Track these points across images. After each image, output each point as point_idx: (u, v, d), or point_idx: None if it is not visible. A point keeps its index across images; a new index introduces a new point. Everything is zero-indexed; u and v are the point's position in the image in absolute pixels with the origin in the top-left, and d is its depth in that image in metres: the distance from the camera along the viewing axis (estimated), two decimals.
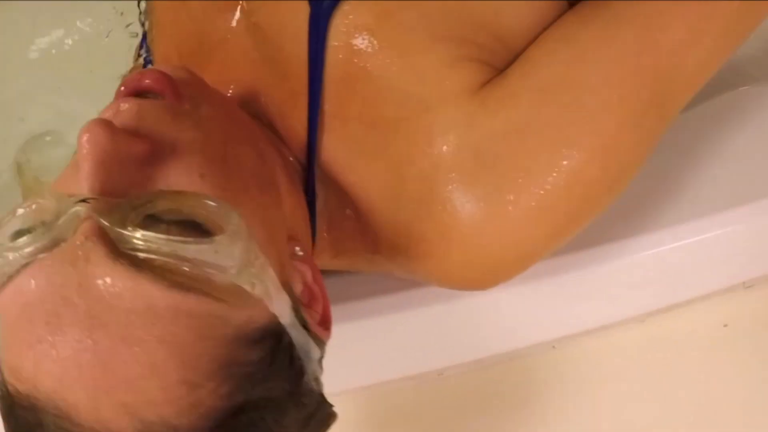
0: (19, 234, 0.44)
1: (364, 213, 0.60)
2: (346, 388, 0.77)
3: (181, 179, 0.46)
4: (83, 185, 0.44)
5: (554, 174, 0.53)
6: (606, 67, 0.54)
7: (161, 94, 0.50)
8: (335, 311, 0.72)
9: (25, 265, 0.43)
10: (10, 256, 0.43)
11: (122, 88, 0.51)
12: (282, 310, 0.48)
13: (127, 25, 0.97)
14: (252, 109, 0.62)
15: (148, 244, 0.42)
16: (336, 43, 0.57)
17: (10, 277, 0.43)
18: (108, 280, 0.41)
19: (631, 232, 0.70)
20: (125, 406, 0.41)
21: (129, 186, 0.45)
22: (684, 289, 0.75)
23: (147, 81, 0.50)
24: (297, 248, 0.54)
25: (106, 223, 0.42)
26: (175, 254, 0.42)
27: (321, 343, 0.53)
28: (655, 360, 0.78)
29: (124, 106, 0.48)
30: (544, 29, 0.58)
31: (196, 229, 0.44)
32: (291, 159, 0.61)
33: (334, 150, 0.59)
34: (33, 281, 0.42)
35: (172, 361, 0.42)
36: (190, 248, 0.42)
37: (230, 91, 0.63)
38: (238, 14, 0.62)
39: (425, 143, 0.55)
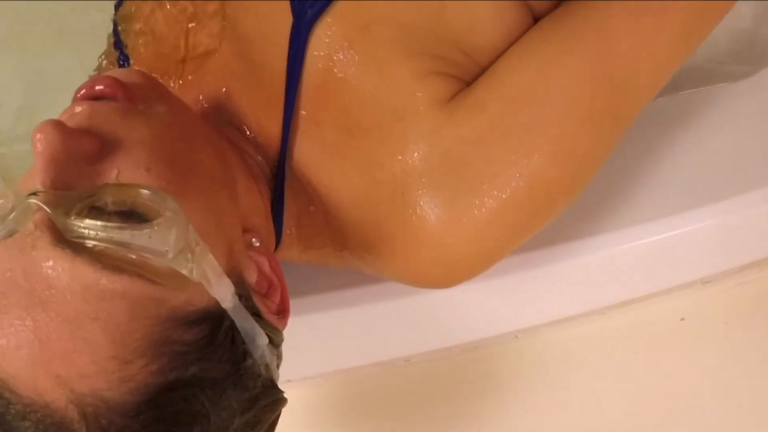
0: None
1: (333, 212, 0.63)
2: (320, 372, 0.81)
3: (128, 173, 0.50)
4: (36, 180, 0.47)
5: (515, 179, 0.57)
6: (564, 79, 0.57)
7: (114, 98, 0.53)
8: (311, 301, 0.74)
9: None
10: None
11: (78, 94, 0.54)
12: (223, 295, 0.51)
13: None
14: (227, 112, 0.65)
15: (88, 231, 0.46)
16: (315, 53, 0.60)
17: None
18: (50, 263, 0.45)
19: (592, 230, 0.73)
20: (59, 377, 0.44)
21: (79, 180, 0.48)
22: (643, 285, 0.77)
23: (99, 86, 0.53)
24: (253, 240, 0.57)
25: (52, 213, 0.46)
26: (112, 240, 0.46)
27: (275, 331, 0.56)
28: (614, 351, 0.82)
29: (77, 108, 0.52)
30: (511, 45, 0.61)
31: (137, 217, 0.47)
32: (260, 159, 0.65)
33: (307, 153, 0.63)
34: None
35: (103, 338, 0.45)
36: (125, 234, 0.46)
37: (206, 94, 0.66)
38: (218, 20, 0.66)
39: (398, 149, 0.59)
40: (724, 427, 0.78)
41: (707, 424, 0.78)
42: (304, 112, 0.62)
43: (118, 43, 0.73)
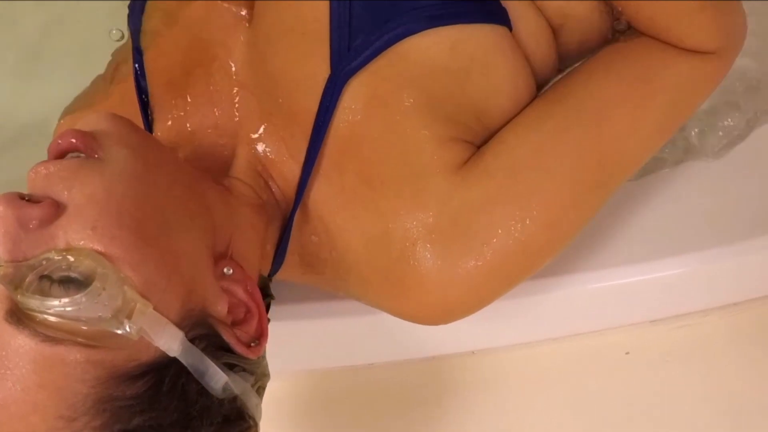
0: None
1: (340, 249, 0.68)
2: (298, 369, 0.88)
3: (75, 234, 0.53)
4: None
5: (511, 243, 0.63)
6: (560, 157, 0.64)
7: (77, 151, 0.57)
8: (297, 308, 0.78)
9: None
10: None
11: (48, 153, 0.58)
12: (169, 344, 0.55)
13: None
14: (240, 142, 0.70)
15: (30, 304, 0.51)
16: (347, 105, 0.65)
17: None
18: (2, 336, 0.51)
19: (554, 272, 0.79)
20: None
21: (35, 246, 0.53)
22: (596, 321, 0.85)
23: (60, 142, 0.57)
24: (225, 269, 0.61)
25: (6, 289, 0.52)
26: (51, 312, 0.51)
27: (246, 360, 0.60)
28: (562, 375, 0.88)
29: (32, 174, 0.56)
30: (516, 110, 0.67)
31: (77, 284, 0.52)
32: (275, 189, 0.70)
33: (324, 193, 0.68)
34: None
35: (50, 401, 0.51)
36: (60, 306, 0.51)
37: (217, 121, 0.71)
38: (243, 47, 0.71)
39: (413, 205, 0.64)
40: None
41: None
42: (327, 157, 0.67)
43: (136, 49, 0.76)
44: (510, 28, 0.66)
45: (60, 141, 0.57)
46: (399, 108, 0.64)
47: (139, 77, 0.75)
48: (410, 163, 0.64)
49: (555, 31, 0.71)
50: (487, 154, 0.65)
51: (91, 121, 0.60)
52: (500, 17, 0.65)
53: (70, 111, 0.85)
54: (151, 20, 0.76)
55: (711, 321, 0.86)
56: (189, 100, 0.74)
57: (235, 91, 0.72)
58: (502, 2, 0.66)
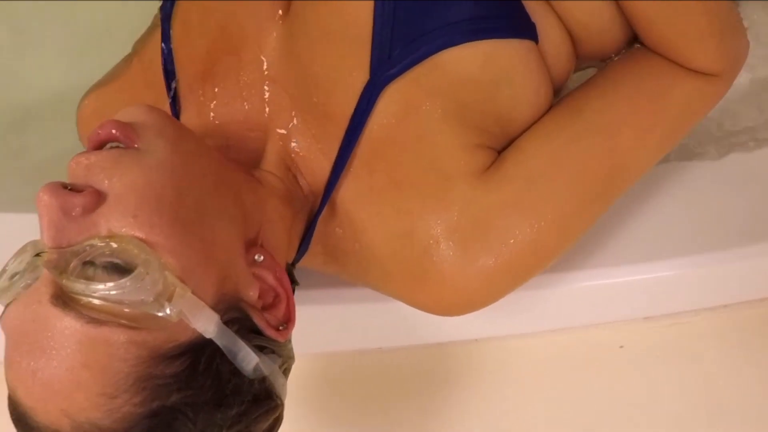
0: (15, 275, 0.58)
1: (364, 243, 0.73)
2: (309, 352, 0.88)
3: (117, 222, 0.57)
4: (43, 238, 0.57)
5: (525, 244, 0.69)
6: (572, 167, 0.70)
7: (115, 141, 0.60)
8: (309, 294, 0.82)
9: (13, 300, 0.57)
10: (7, 293, 0.58)
11: (87, 142, 0.62)
12: (205, 326, 0.58)
13: None
14: (271, 136, 0.74)
15: (76, 288, 0.54)
16: (382, 109, 0.69)
17: (8, 306, 0.58)
18: (48, 318, 0.54)
19: (554, 268, 0.81)
20: (63, 411, 0.54)
21: (78, 233, 0.57)
22: (592, 316, 0.90)
23: (100, 132, 0.60)
24: (256, 256, 0.65)
25: (52, 273, 0.55)
26: (96, 296, 0.54)
27: (275, 343, 0.64)
28: (558, 364, 0.93)
29: (73, 165, 0.59)
30: (535, 118, 0.72)
31: (119, 269, 0.55)
32: (303, 183, 0.74)
33: (353, 190, 0.72)
34: (12, 314, 0.56)
35: (93, 380, 0.54)
36: (105, 290, 0.54)
37: (248, 115, 0.75)
38: (276, 43, 0.74)
39: (438, 207, 0.69)
40: None
41: None
42: (358, 157, 0.71)
43: (165, 36, 0.78)
44: (536, 42, 0.70)
45: (100, 131, 0.60)
46: (431, 115, 0.68)
47: (167, 65, 0.78)
48: (437, 167, 0.69)
49: (575, 43, 0.76)
50: (507, 162, 0.70)
51: (129, 113, 0.63)
52: (529, 32, 0.70)
53: (93, 92, 0.88)
54: (182, 8, 0.79)
55: (701, 321, 0.90)
56: (217, 91, 0.76)
57: (266, 85, 0.75)
58: (531, 18, 0.70)
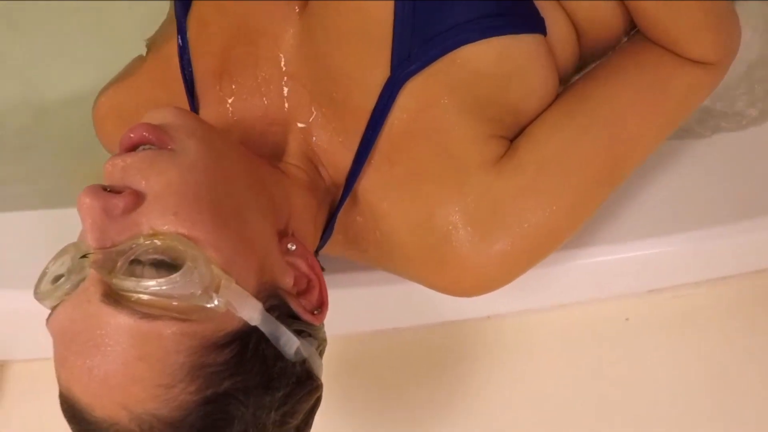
0: (58, 278, 0.60)
1: (385, 230, 0.76)
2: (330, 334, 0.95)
3: (158, 220, 0.58)
4: (86, 240, 0.59)
5: (539, 228, 0.72)
6: (580, 153, 0.73)
7: (150, 144, 0.62)
8: (330, 279, 0.87)
9: (61, 302, 0.59)
10: (52, 295, 0.59)
11: (119, 145, 0.63)
12: (250, 314, 0.60)
13: None
14: (293, 131, 0.77)
15: (126, 286, 0.56)
16: (402, 104, 0.72)
17: (55, 308, 0.59)
18: (100, 317, 0.56)
19: (564, 246, 0.83)
20: (121, 404, 0.56)
21: (121, 233, 0.58)
22: (599, 290, 0.95)
23: (132, 136, 0.62)
24: (289, 245, 0.67)
25: (100, 274, 0.57)
26: (146, 292, 0.56)
27: (312, 327, 0.67)
28: (567, 338, 0.97)
29: (109, 167, 0.61)
30: (545, 107, 0.76)
31: (167, 266, 0.57)
32: (325, 175, 0.77)
33: (374, 182, 0.75)
34: (61, 316, 0.58)
35: (149, 372, 0.56)
36: (155, 287, 0.56)
37: (269, 111, 0.77)
38: (293, 40, 0.76)
39: (456, 195, 0.73)
40: (651, 411, 0.93)
41: (636, 408, 0.93)
42: (379, 149, 0.74)
43: (182, 33, 0.80)
44: (545, 35, 0.73)
45: (132, 135, 0.62)
46: (448, 109, 0.71)
47: (185, 61, 0.80)
48: (454, 157, 0.72)
49: (579, 35, 0.79)
50: (520, 150, 0.73)
51: (157, 115, 0.65)
52: (539, 27, 0.73)
53: (109, 89, 0.89)
54: (198, 5, 0.79)
55: (702, 292, 0.95)
56: (235, 87, 0.78)
57: (284, 81, 0.77)
58: (540, 13, 0.73)
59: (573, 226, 0.75)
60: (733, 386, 0.92)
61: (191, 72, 0.80)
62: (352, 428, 0.97)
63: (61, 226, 1.00)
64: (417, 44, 0.70)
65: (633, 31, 0.80)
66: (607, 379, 0.95)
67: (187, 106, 0.80)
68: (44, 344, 1.04)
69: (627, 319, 0.97)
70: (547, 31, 0.74)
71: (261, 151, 0.76)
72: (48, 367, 1.02)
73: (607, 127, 0.74)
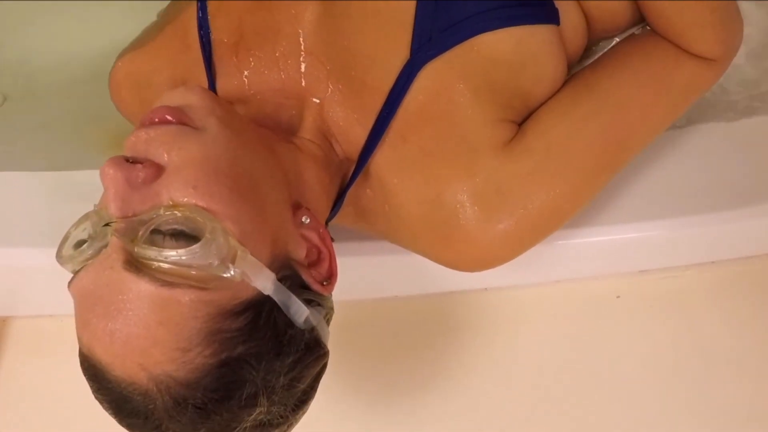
0: (80, 243, 0.63)
1: (394, 204, 0.78)
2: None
3: (178, 192, 0.61)
4: (109, 209, 0.61)
5: (542, 208, 0.76)
6: (585, 139, 0.76)
7: (169, 123, 0.64)
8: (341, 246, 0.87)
9: (83, 267, 0.61)
10: (75, 260, 0.62)
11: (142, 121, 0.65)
12: (264, 284, 0.62)
13: None
14: (308, 107, 0.78)
15: (148, 254, 0.59)
16: (420, 86, 0.75)
17: (77, 273, 0.62)
18: (122, 282, 0.59)
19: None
20: (141, 365, 0.59)
21: (142, 203, 0.61)
22: (592, 268, 0.99)
23: (154, 118, 0.64)
24: (303, 218, 0.70)
25: (122, 242, 0.59)
26: (167, 261, 0.58)
27: (321, 297, 0.69)
28: (559, 313, 1.01)
29: (133, 139, 0.63)
30: (553, 92, 0.78)
31: (186, 236, 0.60)
32: (339, 150, 0.79)
33: (387, 158, 0.78)
34: (84, 280, 0.61)
35: (168, 336, 0.59)
36: (176, 256, 0.58)
37: (286, 88, 0.79)
38: (313, 17, 0.78)
39: (466, 175, 0.75)
40: (637, 384, 0.97)
41: (622, 381, 0.97)
42: (394, 128, 0.76)
43: (202, 5, 0.81)
44: (558, 25, 0.76)
45: (153, 117, 0.64)
46: (463, 93, 0.74)
47: (203, 31, 0.81)
48: (466, 139, 0.75)
49: (589, 24, 0.82)
50: (528, 135, 0.76)
51: (177, 95, 0.68)
52: (554, 17, 0.76)
53: (126, 56, 0.90)
54: None
55: (691, 275, 0.99)
56: (253, 59, 0.80)
57: (302, 56, 0.79)
58: (555, 3, 0.76)
59: (574, 209, 0.78)
60: (717, 364, 0.96)
61: (210, 41, 0.81)
62: (349, 391, 0.99)
63: (66, 188, 1.01)
64: (437, 29, 0.73)
65: (641, 24, 0.83)
66: (596, 352, 0.99)
67: (204, 76, 0.82)
68: (45, 301, 1.07)
69: (618, 297, 1.01)
70: (560, 20, 0.77)
71: (276, 124, 0.78)
72: (49, 324, 1.05)
73: (611, 115, 0.77)
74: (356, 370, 1.00)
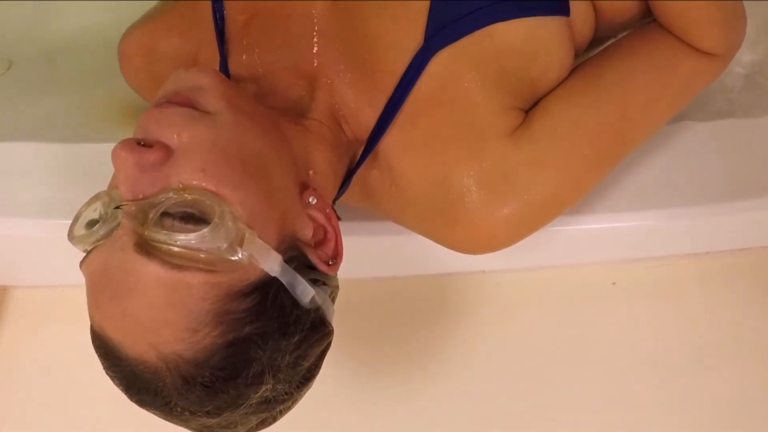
0: (91, 223, 0.63)
1: (401, 186, 0.80)
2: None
3: (187, 175, 0.62)
4: (119, 191, 0.62)
5: (545, 195, 0.77)
6: (590, 129, 0.78)
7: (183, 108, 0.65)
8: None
9: (95, 247, 0.62)
10: (86, 240, 0.63)
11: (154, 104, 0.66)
12: (271, 266, 0.64)
13: None
14: (319, 88, 0.79)
15: (158, 237, 0.60)
16: (432, 72, 0.76)
17: (89, 253, 0.63)
18: (133, 264, 0.60)
19: None
20: (151, 344, 0.60)
21: (152, 185, 0.62)
22: (589, 254, 1.01)
23: (165, 102, 0.65)
24: (311, 198, 0.71)
25: (133, 224, 0.60)
26: (177, 244, 0.60)
27: (327, 276, 0.70)
28: (555, 297, 1.03)
29: (144, 120, 0.64)
30: (560, 80, 0.80)
31: (195, 219, 0.61)
32: (348, 131, 0.80)
33: (395, 140, 0.79)
34: (96, 261, 0.62)
35: (177, 317, 0.60)
36: (185, 240, 0.60)
37: (298, 69, 0.79)
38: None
39: (473, 160, 0.77)
40: (630, 365, 0.99)
41: (616, 363, 0.99)
42: (404, 111, 0.77)
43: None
44: (569, 16, 0.78)
45: (165, 101, 0.65)
46: (474, 81, 0.75)
47: (217, 7, 0.81)
48: (474, 125, 0.76)
49: (597, 16, 0.83)
50: (534, 123, 0.77)
51: (188, 77, 0.68)
52: (565, 9, 0.77)
53: (137, 29, 0.91)
54: None
55: (685, 264, 1.01)
56: (266, 38, 0.81)
57: (315, 38, 0.79)
58: None
59: (576, 197, 0.80)
60: (708, 351, 0.99)
61: (223, 19, 0.82)
62: (345, 367, 1.01)
63: (70, 160, 1.01)
64: (452, 18, 0.74)
65: (648, 18, 0.84)
66: (590, 335, 1.01)
67: (216, 52, 0.83)
68: (46, 272, 1.07)
69: (614, 283, 1.02)
70: (570, 12, 0.78)
71: (286, 103, 0.79)
72: (50, 294, 1.05)
73: (616, 106, 0.78)
74: (351, 349, 1.01)
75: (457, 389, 0.99)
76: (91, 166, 0.93)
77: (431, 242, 0.84)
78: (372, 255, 0.99)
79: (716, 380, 0.97)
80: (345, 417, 0.98)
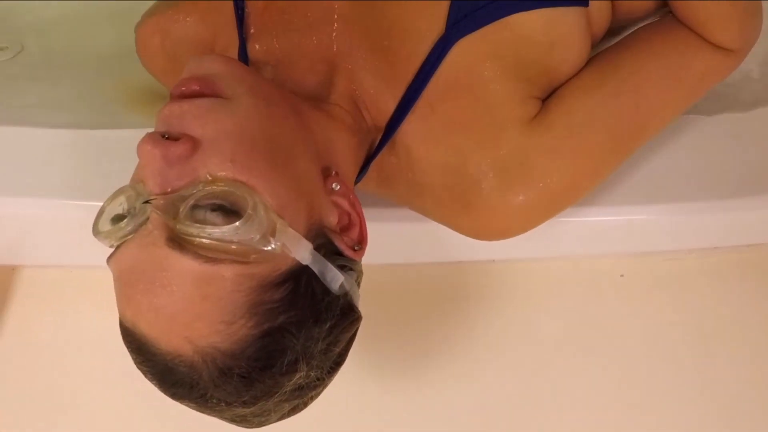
0: (117, 218, 0.63)
1: (419, 171, 0.80)
2: None
3: (216, 166, 0.61)
4: (147, 184, 0.61)
5: (560, 184, 0.78)
6: (605, 120, 0.78)
7: (202, 96, 0.64)
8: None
9: (123, 242, 0.62)
10: (113, 235, 0.62)
11: (171, 97, 0.65)
12: (302, 254, 0.64)
13: None
14: (338, 75, 0.79)
15: (190, 231, 0.59)
16: (452, 60, 0.76)
17: (117, 248, 0.63)
18: (165, 259, 0.59)
19: None
20: (186, 338, 0.60)
21: (180, 179, 0.61)
22: (598, 246, 1.01)
23: (184, 90, 0.64)
24: (334, 185, 0.70)
25: (164, 218, 0.60)
26: (209, 237, 0.59)
27: (353, 262, 0.71)
28: (565, 287, 1.04)
29: (166, 113, 0.63)
30: (577, 69, 0.80)
31: (227, 211, 0.60)
32: (368, 118, 0.80)
33: (414, 126, 0.79)
34: (126, 256, 0.62)
35: (212, 310, 0.60)
36: (218, 232, 0.60)
37: (319, 57, 0.80)
38: None
39: (490, 147, 0.77)
40: (636, 357, 0.99)
41: (622, 353, 1.00)
42: (423, 98, 0.78)
43: None
44: (587, 7, 0.78)
45: (184, 89, 0.64)
46: (493, 69, 0.76)
47: None
48: (492, 113, 0.77)
49: (613, 7, 0.84)
50: (551, 112, 0.78)
51: (205, 64, 0.67)
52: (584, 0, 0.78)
53: (155, 14, 0.90)
54: None
55: (693, 258, 1.02)
56: (284, 23, 0.81)
57: (335, 23, 0.80)
58: None
59: (590, 186, 0.81)
60: (714, 345, 0.99)
61: (242, 2, 0.82)
62: (354, 352, 1.01)
63: (80, 144, 1.01)
64: (473, 7, 0.75)
65: (664, 8, 0.85)
66: (597, 326, 1.01)
67: (235, 36, 0.83)
68: (55, 252, 1.07)
69: (622, 276, 1.03)
70: (588, 2, 0.78)
71: (305, 89, 0.79)
72: (58, 274, 1.05)
73: (632, 97, 0.79)
74: (363, 334, 1.01)
75: (463, 377, 1.00)
76: (103, 150, 0.93)
77: (439, 230, 0.85)
78: (380, 242, 0.98)
79: (723, 374, 0.98)
80: (351, 401, 0.98)
